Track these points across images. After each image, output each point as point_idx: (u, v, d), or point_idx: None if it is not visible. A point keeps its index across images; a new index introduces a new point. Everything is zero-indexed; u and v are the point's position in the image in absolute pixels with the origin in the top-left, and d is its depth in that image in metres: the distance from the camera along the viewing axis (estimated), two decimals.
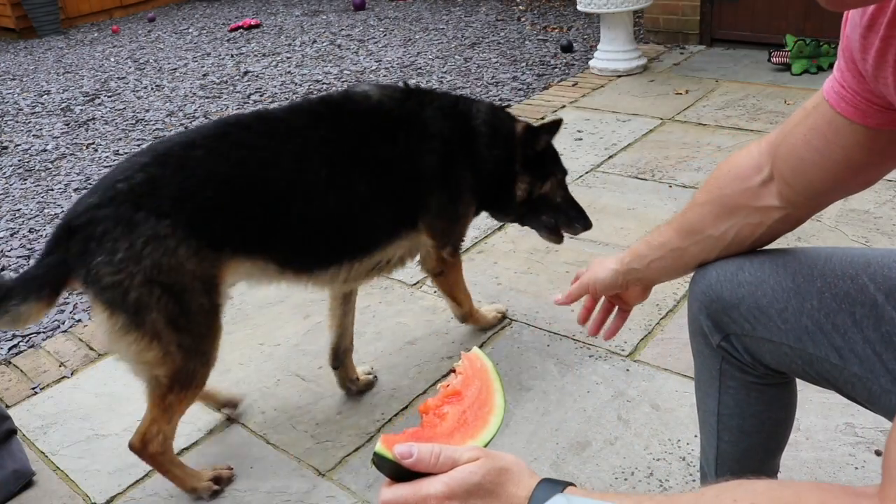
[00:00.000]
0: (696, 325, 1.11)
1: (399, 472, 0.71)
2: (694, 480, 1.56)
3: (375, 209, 1.72)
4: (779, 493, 0.57)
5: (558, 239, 2.08)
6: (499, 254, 2.54)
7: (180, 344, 1.51)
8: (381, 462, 0.72)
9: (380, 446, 0.71)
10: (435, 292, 2.37)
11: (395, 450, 0.69)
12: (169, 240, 1.46)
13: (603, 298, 1.29)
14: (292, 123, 1.68)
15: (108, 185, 1.50)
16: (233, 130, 1.63)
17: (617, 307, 1.30)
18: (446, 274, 1.97)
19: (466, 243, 2.63)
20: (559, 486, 0.68)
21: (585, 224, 2.02)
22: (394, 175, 1.73)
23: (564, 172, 2.04)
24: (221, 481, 1.71)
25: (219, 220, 1.53)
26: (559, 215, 2.03)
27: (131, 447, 1.61)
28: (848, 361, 0.92)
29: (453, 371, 0.85)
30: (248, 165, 1.58)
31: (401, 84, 1.87)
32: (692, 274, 1.11)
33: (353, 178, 1.66)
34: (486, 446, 0.73)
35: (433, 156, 1.77)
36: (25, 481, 1.78)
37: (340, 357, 1.95)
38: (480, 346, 2.08)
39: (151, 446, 1.59)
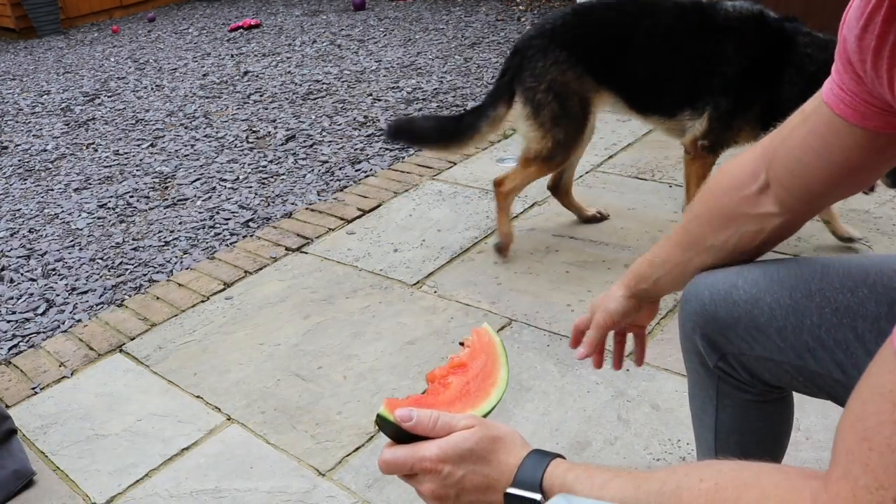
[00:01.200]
0: (690, 344, 1.09)
1: (399, 435, 0.75)
2: None
3: (690, 92, 2.20)
4: (741, 473, 0.59)
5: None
6: None
7: (554, 135, 2.26)
8: (383, 423, 0.76)
9: (383, 409, 0.75)
10: (435, 292, 2.37)
11: (396, 413, 0.73)
12: (564, 64, 2.20)
13: (612, 333, 1.21)
14: (669, 14, 2.19)
15: (541, 25, 2.29)
16: (629, 5, 2.24)
17: (631, 333, 1.24)
18: (692, 160, 2.29)
19: (466, 243, 2.64)
20: (548, 457, 0.70)
21: None
22: (711, 74, 2.14)
23: None
24: (504, 250, 2.45)
25: (598, 60, 2.21)
26: None
27: (495, 182, 2.44)
28: (851, 377, 0.90)
29: (462, 344, 0.89)
30: (626, 28, 2.18)
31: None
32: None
33: (690, 66, 2.17)
34: (485, 416, 0.76)
35: (741, 69, 2.12)
36: (26, 481, 1.79)
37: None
38: None
39: (505, 186, 2.42)
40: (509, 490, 0.68)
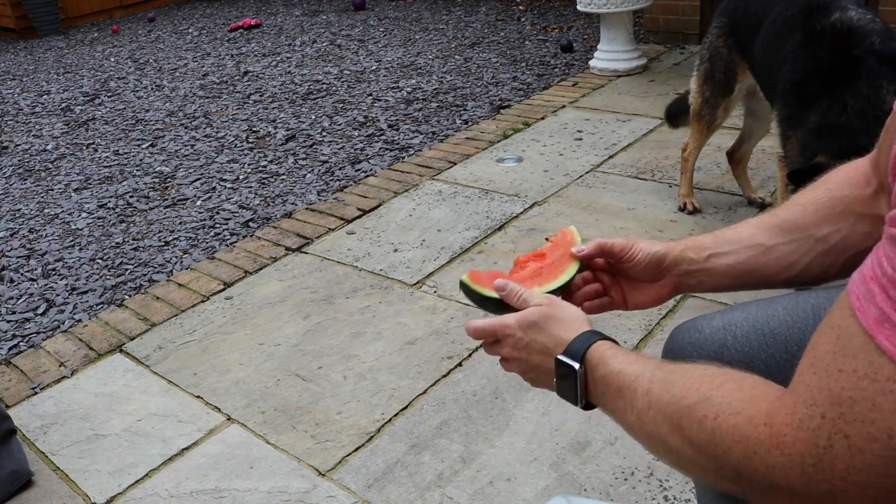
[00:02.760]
0: None
1: (482, 300, 0.98)
2: None
3: (772, 88, 2.23)
4: (735, 372, 0.68)
5: None
6: (499, 254, 2.54)
7: (703, 91, 2.51)
8: (467, 290, 0.99)
9: (465, 277, 0.98)
10: (435, 292, 2.37)
11: (495, 283, 0.94)
12: (721, 30, 2.44)
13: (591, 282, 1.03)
14: (797, 5, 2.16)
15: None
16: None
17: (602, 298, 1.02)
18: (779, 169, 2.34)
19: (466, 243, 2.64)
20: (597, 336, 0.82)
21: None
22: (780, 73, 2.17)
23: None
24: (689, 206, 2.63)
25: (743, 32, 2.34)
26: None
27: (683, 149, 2.66)
28: None
29: (548, 239, 1.05)
30: (765, 8, 2.24)
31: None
32: (660, 333, 1.05)
33: (780, 61, 2.17)
34: (550, 293, 0.95)
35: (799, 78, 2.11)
36: (23, 482, 1.79)
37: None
38: (480, 346, 2.08)
39: (685, 152, 2.65)
40: (557, 356, 0.82)
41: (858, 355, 0.53)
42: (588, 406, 0.81)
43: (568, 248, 0.99)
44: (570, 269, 0.98)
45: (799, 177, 1.76)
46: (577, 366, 0.79)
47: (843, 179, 0.91)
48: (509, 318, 0.90)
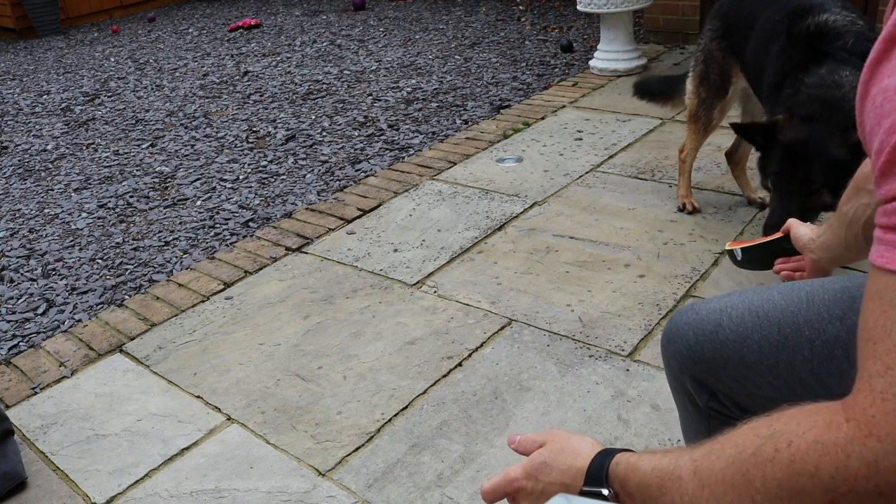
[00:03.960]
0: (677, 384, 1.07)
1: (753, 253, 1.40)
2: None
3: (768, 93, 2.21)
4: (782, 413, 0.60)
5: None
6: (499, 254, 2.54)
7: (699, 93, 2.52)
8: (734, 254, 1.42)
9: (729, 246, 1.43)
10: (435, 292, 2.37)
11: (510, 438, 0.90)
12: (714, 33, 2.45)
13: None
14: (786, 8, 2.18)
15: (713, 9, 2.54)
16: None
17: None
18: None
19: (466, 243, 2.63)
20: (612, 454, 0.76)
21: None
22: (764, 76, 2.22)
23: None
24: (688, 206, 2.62)
25: (735, 36, 2.37)
26: None
27: (681, 150, 2.68)
28: None
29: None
30: (757, 12, 2.27)
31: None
32: (661, 333, 1.06)
33: (767, 64, 2.22)
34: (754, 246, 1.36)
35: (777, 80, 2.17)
36: (14, 484, 1.77)
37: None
38: (480, 346, 2.08)
39: (683, 153, 2.66)
40: (582, 489, 0.75)
41: None
42: None
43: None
44: (777, 236, 1.32)
45: (740, 129, 1.99)
46: (605, 491, 0.73)
47: (864, 167, 1.08)
48: (514, 471, 0.83)
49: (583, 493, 0.74)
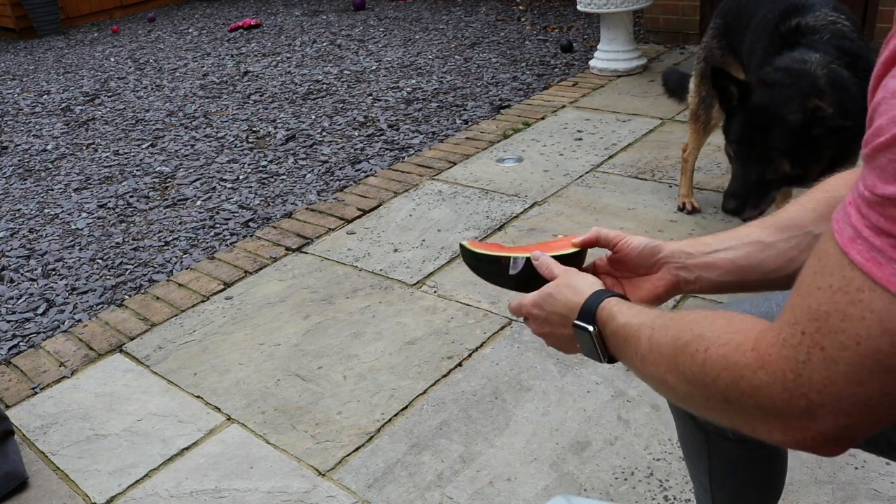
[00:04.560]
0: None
1: (477, 261, 1.05)
2: None
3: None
4: (727, 312, 0.71)
5: None
6: None
7: (700, 91, 2.53)
8: (466, 253, 1.06)
9: (465, 242, 1.06)
10: (435, 292, 2.37)
11: (533, 253, 0.99)
12: (715, 31, 2.48)
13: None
14: (779, 7, 2.19)
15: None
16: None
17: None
18: None
19: None
20: (604, 296, 0.86)
21: None
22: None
23: None
24: (688, 206, 2.63)
25: (733, 35, 2.38)
26: None
27: (683, 150, 2.68)
28: None
29: (554, 235, 1.13)
30: (753, 10, 2.27)
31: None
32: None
33: (755, 65, 2.21)
34: (559, 258, 1.03)
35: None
36: (16, 484, 1.78)
37: None
38: (480, 346, 2.08)
39: (685, 152, 2.64)
40: (574, 321, 0.87)
41: (834, 272, 0.56)
42: (611, 360, 0.86)
43: (566, 242, 1.06)
44: (573, 249, 1.05)
45: (718, 73, 1.91)
46: (590, 328, 0.84)
47: (841, 183, 0.93)
48: (528, 297, 0.96)
49: (574, 326, 0.87)
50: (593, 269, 1.04)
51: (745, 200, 1.85)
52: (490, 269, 1.05)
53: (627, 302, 0.85)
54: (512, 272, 1.02)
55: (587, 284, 0.90)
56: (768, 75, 1.88)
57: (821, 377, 0.56)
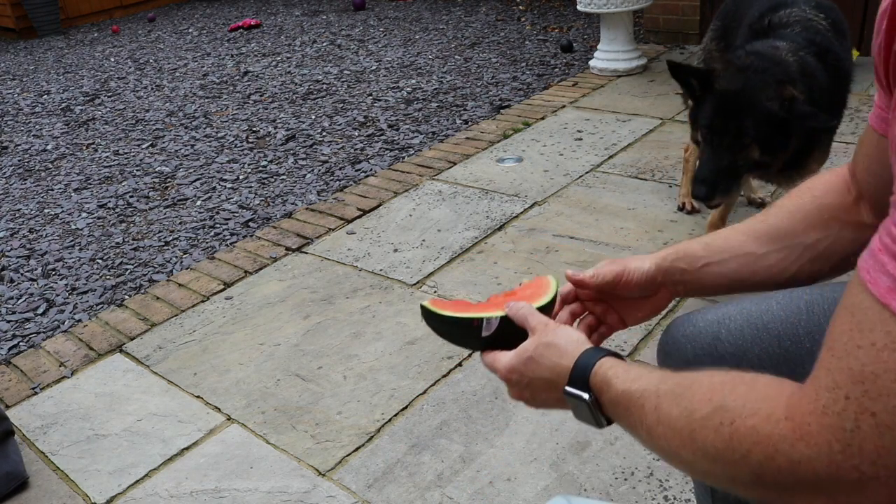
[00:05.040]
0: None
1: (443, 325, 0.91)
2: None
3: None
4: (745, 374, 0.65)
5: None
6: (499, 254, 2.54)
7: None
8: (429, 315, 0.92)
9: (427, 303, 0.92)
10: (435, 292, 2.37)
11: (507, 304, 0.89)
12: (714, 41, 2.44)
13: (582, 316, 1.04)
14: (758, 15, 2.18)
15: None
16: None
17: (600, 328, 1.03)
18: None
19: (466, 243, 2.63)
20: (596, 356, 0.78)
21: None
22: None
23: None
24: (688, 206, 2.63)
25: (731, 40, 2.31)
26: None
27: (685, 149, 2.65)
28: None
29: (521, 283, 1.00)
30: (745, 10, 2.26)
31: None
32: (656, 346, 1.02)
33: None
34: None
35: None
36: (17, 484, 1.78)
37: None
38: None
39: (687, 152, 2.62)
40: (565, 388, 0.79)
41: (875, 328, 0.51)
42: (610, 421, 0.80)
43: (540, 284, 0.94)
44: (550, 291, 0.93)
45: (676, 67, 1.87)
46: (586, 396, 0.77)
47: (827, 186, 0.94)
48: (503, 362, 0.86)
49: (566, 393, 0.79)
50: (574, 298, 1.00)
51: (714, 187, 1.81)
52: (459, 332, 0.92)
53: (621, 361, 0.78)
54: (486, 334, 0.89)
55: (572, 343, 0.82)
56: (740, 59, 1.84)
57: (873, 446, 0.51)
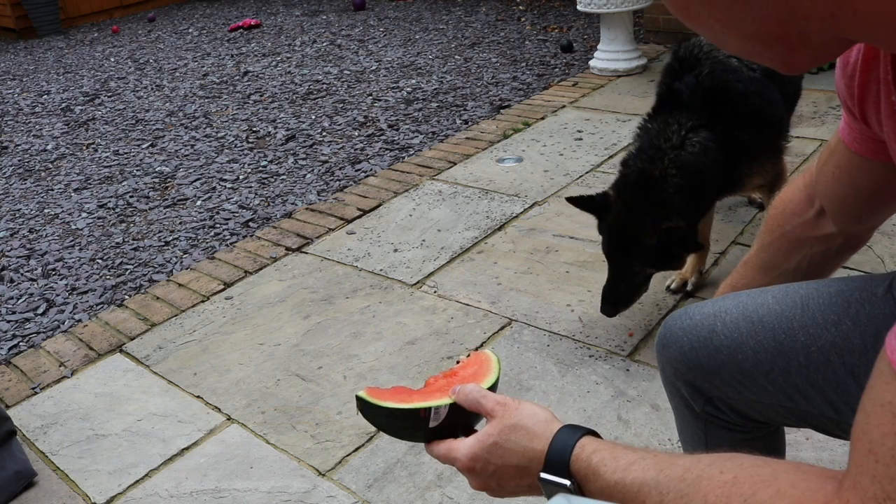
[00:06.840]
0: (672, 388, 1.06)
1: (385, 417, 0.81)
2: None
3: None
4: (760, 469, 0.59)
5: None
6: (499, 254, 2.54)
7: None
8: (365, 407, 0.82)
9: (363, 393, 0.81)
10: (435, 292, 2.37)
11: (455, 388, 0.80)
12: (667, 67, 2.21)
13: None
14: None
15: None
16: None
17: None
18: None
19: (466, 243, 2.63)
20: (573, 437, 0.70)
21: None
22: None
23: None
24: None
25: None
26: None
27: None
28: (844, 414, 0.86)
29: (458, 362, 0.91)
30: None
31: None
32: (657, 337, 1.05)
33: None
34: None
35: None
36: (27, 482, 1.79)
37: None
38: (481, 345, 2.08)
39: None
40: (540, 475, 0.71)
41: None
42: None
43: (481, 362, 0.88)
44: (494, 369, 0.86)
45: (572, 202, 2.00)
46: (567, 483, 0.69)
47: (788, 211, 1.05)
48: (463, 450, 0.76)
49: (541, 480, 0.71)
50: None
51: (616, 305, 1.96)
52: (403, 425, 0.82)
53: (602, 441, 0.71)
54: (433, 424, 0.80)
55: (540, 423, 0.74)
56: (626, 188, 1.94)
57: None
